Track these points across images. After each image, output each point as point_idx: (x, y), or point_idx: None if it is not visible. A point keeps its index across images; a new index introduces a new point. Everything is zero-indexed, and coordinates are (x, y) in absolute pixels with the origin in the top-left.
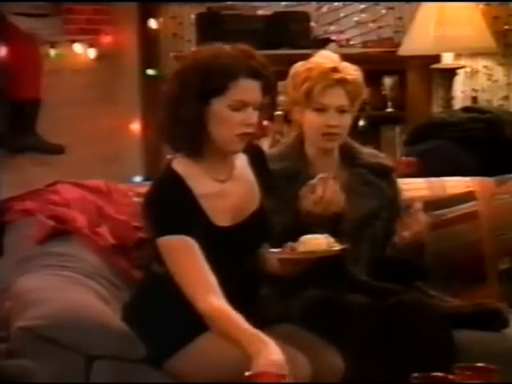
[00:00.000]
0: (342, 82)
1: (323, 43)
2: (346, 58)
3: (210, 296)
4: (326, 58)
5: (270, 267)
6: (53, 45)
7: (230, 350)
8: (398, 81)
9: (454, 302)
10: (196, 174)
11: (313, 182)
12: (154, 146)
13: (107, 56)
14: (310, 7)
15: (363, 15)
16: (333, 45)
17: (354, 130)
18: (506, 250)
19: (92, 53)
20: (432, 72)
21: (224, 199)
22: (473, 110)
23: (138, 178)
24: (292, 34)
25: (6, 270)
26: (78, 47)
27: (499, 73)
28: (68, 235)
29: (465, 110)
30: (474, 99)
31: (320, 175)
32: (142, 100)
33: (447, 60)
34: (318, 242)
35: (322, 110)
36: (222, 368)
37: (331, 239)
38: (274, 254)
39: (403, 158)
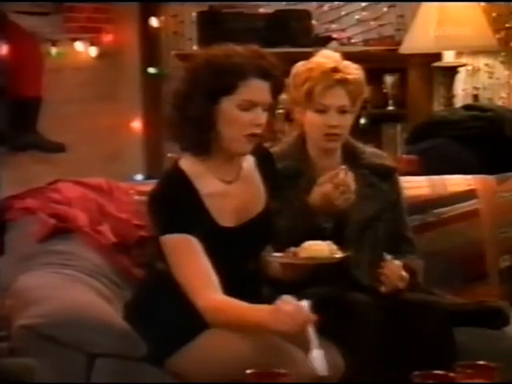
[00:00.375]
0: (343, 82)
1: (324, 41)
2: (347, 56)
3: (211, 293)
4: (326, 57)
5: (272, 270)
6: (54, 43)
7: (232, 347)
8: (399, 79)
9: (455, 300)
10: (202, 174)
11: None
12: (155, 144)
13: (108, 54)
14: (311, 5)
15: (364, 13)
16: (334, 43)
17: (355, 128)
18: (506, 248)
19: (93, 51)
20: (433, 70)
21: (229, 200)
22: (474, 108)
23: (139, 176)
24: (293, 32)
25: (7, 269)
26: (79, 45)
27: (500, 71)
28: (69, 233)
29: (466, 108)
30: (475, 97)
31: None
32: (143, 98)
33: (448, 58)
34: (320, 249)
35: (323, 110)
36: (223, 366)
37: (334, 246)
38: (276, 258)
39: (404, 157)
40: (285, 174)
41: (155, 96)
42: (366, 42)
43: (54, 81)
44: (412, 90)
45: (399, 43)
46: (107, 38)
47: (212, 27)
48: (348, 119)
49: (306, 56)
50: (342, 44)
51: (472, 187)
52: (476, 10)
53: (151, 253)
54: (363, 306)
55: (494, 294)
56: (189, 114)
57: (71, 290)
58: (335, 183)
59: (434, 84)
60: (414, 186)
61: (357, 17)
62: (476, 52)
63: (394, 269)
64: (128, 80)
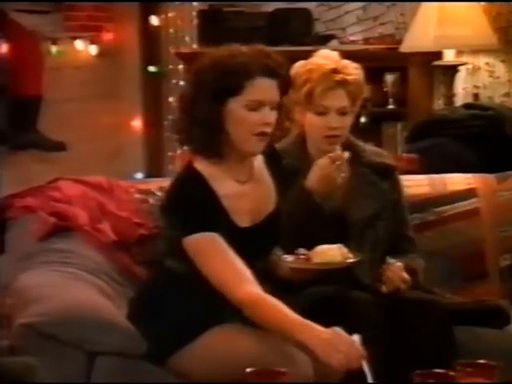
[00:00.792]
0: (343, 83)
1: (325, 40)
2: (347, 54)
3: (248, 286)
4: (326, 58)
5: (281, 272)
6: (54, 41)
7: (235, 347)
8: (399, 77)
9: (455, 299)
10: (218, 175)
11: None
12: (156, 143)
13: (108, 53)
14: (311, 4)
15: (365, 12)
16: (334, 42)
17: (356, 127)
18: (507, 247)
19: (93, 49)
20: (433, 69)
21: (244, 200)
22: (474, 106)
23: (139, 175)
24: (293, 31)
25: (8, 267)
26: (79, 44)
27: (501, 69)
28: (69, 232)
29: (466, 106)
30: (476, 96)
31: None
32: (143, 97)
33: (449, 57)
34: (333, 254)
35: (323, 112)
36: (226, 365)
37: (345, 249)
38: (288, 262)
39: (404, 155)
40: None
41: (155, 94)
42: (366, 41)
43: (55, 79)
44: (412, 88)
45: (399, 42)
46: (107, 36)
47: (212, 26)
48: (348, 120)
49: (307, 55)
50: (342, 43)
51: (472, 186)
52: (476, 8)
53: (155, 251)
54: (364, 304)
55: (495, 292)
56: (197, 117)
57: (71, 288)
58: (332, 158)
59: (434, 83)
60: (414, 184)
61: (357, 15)
62: (476, 51)
63: (396, 270)
64: (128, 78)
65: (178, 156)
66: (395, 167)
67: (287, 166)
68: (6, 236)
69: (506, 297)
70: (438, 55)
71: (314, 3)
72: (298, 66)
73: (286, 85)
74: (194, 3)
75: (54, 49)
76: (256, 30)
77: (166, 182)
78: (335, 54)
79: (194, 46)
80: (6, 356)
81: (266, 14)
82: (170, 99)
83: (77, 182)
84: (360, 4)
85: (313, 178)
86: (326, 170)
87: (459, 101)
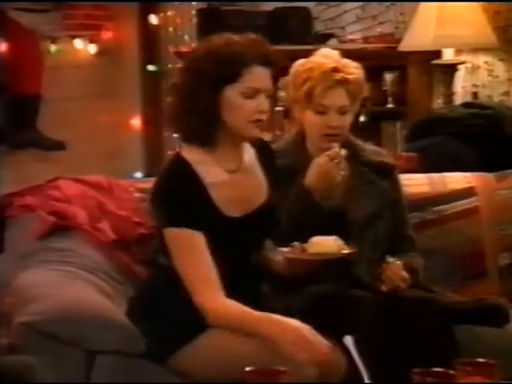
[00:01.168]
0: (344, 82)
1: (324, 39)
2: (346, 53)
3: (213, 294)
4: (326, 57)
5: (276, 266)
6: (53, 40)
7: (236, 345)
8: (398, 76)
9: (455, 298)
10: (206, 163)
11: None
12: (155, 142)
13: (108, 52)
14: (310, 3)
15: (364, 11)
16: (334, 40)
17: (355, 126)
18: (506, 246)
19: (92, 48)
20: (433, 67)
21: (234, 189)
22: (473, 105)
23: (138, 174)
24: (293, 30)
25: (7, 266)
26: (78, 43)
27: (500, 68)
28: (69, 231)
29: (465, 105)
30: (475, 95)
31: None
32: (142, 96)
33: (448, 56)
34: (328, 244)
35: (323, 111)
36: (227, 363)
37: (340, 242)
38: (283, 253)
39: (404, 154)
40: (285, 171)
41: (155, 93)
42: (365, 40)
43: (54, 78)
44: (411, 87)
45: (399, 41)
46: (107, 35)
47: (211, 24)
48: (348, 119)
49: (306, 53)
50: (342, 41)
51: (471, 185)
52: (475, 7)
53: (152, 249)
54: (363, 303)
55: (494, 291)
56: (194, 106)
57: (71, 287)
58: (330, 156)
59: (433, 81)
60: (414, 183)
61: (356, 14)
62: (475, 49)
63: (396, 269)
64: (127, 77)
65: None
66: (394, 166)
67: (286, 165)
68: (6, 235)
69: (506, 295)
70: (437, 54)
71: (312, 2)
72: (298, 65)
73: (278, 73)
74: (193, 2)
75: (53, 48)
76: (255, 29)
77: None
78: (335, 53)
79: (194, 44)
80: (5, 355)
81: (266, 13)
82: (170, 98)
83: (76, 181)
84: (359, 3)
85: (312, 177)
86: (324, 168)
87: (458, 100)
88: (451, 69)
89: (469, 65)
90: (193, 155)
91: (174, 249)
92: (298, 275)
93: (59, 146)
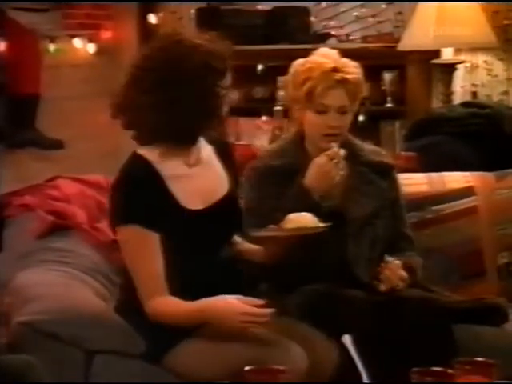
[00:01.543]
0: (344, 82)
1: (323, 38)
2: (345, 53)
3: (153, 292)
4: (326, 56)
5: (250, 255)
6: (52, 40)
7: (231, 342)
8: (397, 76)
9: (454, 297)
10: (164, 157)
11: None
12: None
13: (107, 51)
14: (309, 2)
15: (363, 10)
16: (332, 40)
17: (354, 125)
18: (505, 245)
19: (92, 48)
20: (432, 67)
21: (193, 181)
22: (472, 105)
23: None
24: (291, 29)
25: (6, 265)
26: (77, 42)
27: (499, 68)
28: (68, 230)
29: (464, 105)
30: (474, 94)
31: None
32: None
33: (447, 55)
34: (305, 220)
35: (323, 111)
36: (221, 363)
37: (315, 218)
38: (260, 233)
39: (403, 153)
40: (283, 171)
41: None
42: (364, 39)
43: (53, 77)
44: (410, 86)
45: (398, 40)
46: (106, 34)
47: (210, 24)
48: (347, 119)
49: (305, 53)
50: (341, 41)
51: (470, 184)
52: (475, 6)
53: None
54: (361, 302)
55: (493, 290)
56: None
57: (69, 287)
58: (329, 155)
59: (432, 81)
60: (413, 182)
61: (355, 13)
62: (475, 49)
63: (394, 268)
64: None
65: None
66: (393, 166)
67: (285, 165)
68: (4, 234)
69: (504, 295)
70: (436, 53)
71: (312, 2)
72: (298, 65)
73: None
74: (193, 2)
75: (52, 47)
76: (254, 28)
77: None
78: (335, 53)
79: None
80: (4, 354)
81: (265, 12)
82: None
83: (75, 181)
84: (358, 2)
85: (311, 176)
86: (323, 167)
87: (457, 99)
88: (450, 68)
89: (468, 64)
90: (148, 151)
91: (124, 245)
92: (275, 256)
93: (58, 145)
